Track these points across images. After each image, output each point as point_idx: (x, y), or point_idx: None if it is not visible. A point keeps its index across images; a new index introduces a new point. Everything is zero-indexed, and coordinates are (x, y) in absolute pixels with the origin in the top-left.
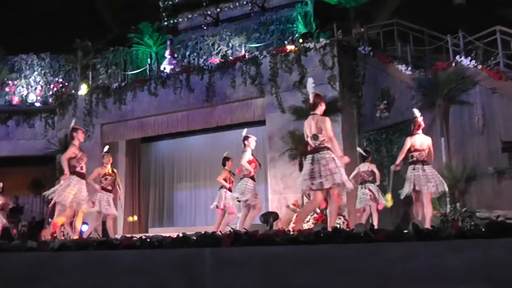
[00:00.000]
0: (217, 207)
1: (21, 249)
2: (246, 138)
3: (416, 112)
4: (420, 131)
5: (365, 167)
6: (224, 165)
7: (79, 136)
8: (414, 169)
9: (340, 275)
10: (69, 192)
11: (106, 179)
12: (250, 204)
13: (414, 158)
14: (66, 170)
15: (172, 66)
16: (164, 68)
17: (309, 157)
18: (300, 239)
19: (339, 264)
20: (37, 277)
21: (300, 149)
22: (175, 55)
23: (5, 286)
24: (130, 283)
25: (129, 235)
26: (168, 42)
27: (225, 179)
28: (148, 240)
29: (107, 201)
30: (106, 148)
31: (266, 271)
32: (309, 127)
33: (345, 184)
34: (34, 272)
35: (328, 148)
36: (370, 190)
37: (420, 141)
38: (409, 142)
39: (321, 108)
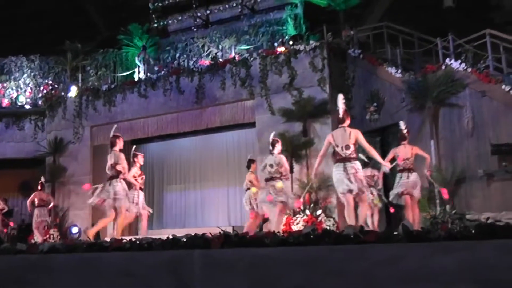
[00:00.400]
0: (253, 209)
1: (10, 252)
2: (276, 141)
3: (401, 125)
4: (405, 142)
5: (367, 172)
6: (249, 167)
7: (121, 143)
8: (401, 177)
9: (330, 277)
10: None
11: (142, 178)
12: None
13: (401, 167)
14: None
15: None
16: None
17: (339, 165)
18: (290, 240)
19: (329, 266)
20: (27, 280)
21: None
22: (150, 61)
23: None
24: (119, 285)
25: (119, 237)
26: (142, 49)
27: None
28: (137, 242)
29: (142, 201)
30: (134, 148)
31: (256, 272)
32: (341, 137)
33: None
34: (24, 275)
35: (356, 158)
36: (373, 194)
37: (405, 151)
38: (392, 152)
39: (348, 122)
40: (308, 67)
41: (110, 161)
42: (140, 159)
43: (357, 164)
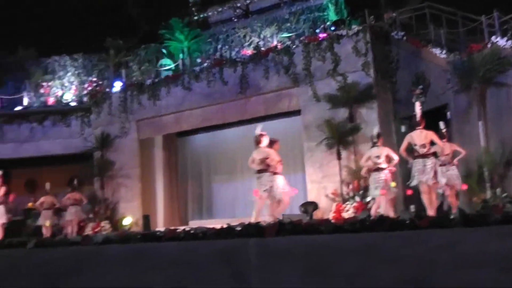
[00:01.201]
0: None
1: (65, 244)
2: (380, 134)
3: (441, 125)
4: (444, 140)
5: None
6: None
7: (266, 141)
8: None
9: (385, 263)
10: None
11: (280, 164)
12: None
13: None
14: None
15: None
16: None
17: (418, 160)
18: (345, 227)
19: (384, 252)
20: (81, 271)
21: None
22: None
23: (50, 280)
24: (173, 275)
25: (172, 228)
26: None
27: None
28: (192, 232)
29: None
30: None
31: (310, 260)
32: (418, 138)
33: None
34: (78, 266)
35: (431, 155)
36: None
37: (444, 148)
38: (434, 148)
39: (423, 124)
40: (351, 52)
41: (258, 156)
42: (276, 146)
43: (432, 159)
